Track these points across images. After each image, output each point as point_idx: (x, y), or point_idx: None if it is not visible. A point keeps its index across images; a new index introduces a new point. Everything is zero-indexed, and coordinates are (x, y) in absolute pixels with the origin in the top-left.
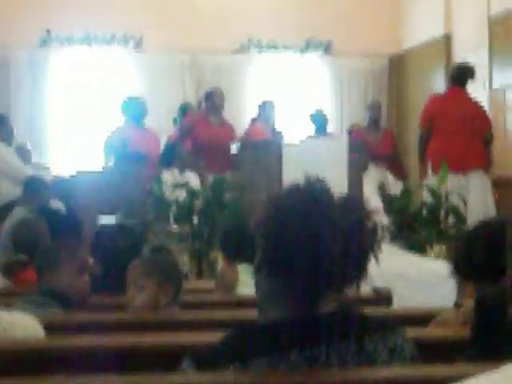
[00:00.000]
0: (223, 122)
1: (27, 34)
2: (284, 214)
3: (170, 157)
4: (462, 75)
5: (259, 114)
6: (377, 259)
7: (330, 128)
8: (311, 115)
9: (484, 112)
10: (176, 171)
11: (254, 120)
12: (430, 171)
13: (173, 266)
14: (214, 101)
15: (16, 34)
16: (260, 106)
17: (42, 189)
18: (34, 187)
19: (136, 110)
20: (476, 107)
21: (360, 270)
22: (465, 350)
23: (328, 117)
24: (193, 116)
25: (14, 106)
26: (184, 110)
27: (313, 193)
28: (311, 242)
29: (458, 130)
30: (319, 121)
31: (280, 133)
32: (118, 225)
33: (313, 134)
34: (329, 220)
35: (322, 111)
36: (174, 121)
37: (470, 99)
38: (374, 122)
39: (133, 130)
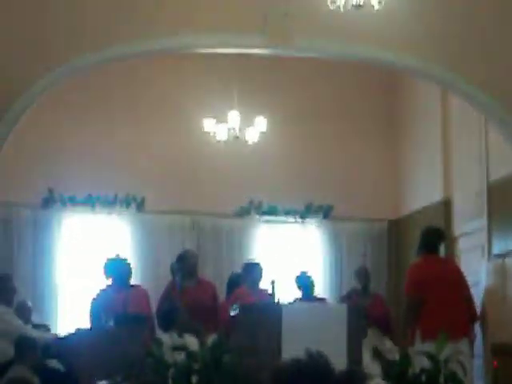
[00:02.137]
0: (199, 283)
1: (30, 192)
2: None
3: (170, 319)
4: (433, 240)
5: (246, 276)
6: None
7: (326, 291)
8: (296, 278)
9: (462, 275)
10: (175, 334)
11: (233, 282)
12: (418, 338)
13: None
14: (187, 263)
15: (19, 192)
16: (245, 267)
17: (32, 346)
18: (23, 345)
19: (121, 271)
20: (454, 272)
21: None
22: None
23: (312, 279)
24: (170, 283)
25: (17, 264)
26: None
27: (315, 369)
28: None
29: (444, 297)
30: (305, 283)
31: (274, 294)
32: None
33: (299, 298)
34: None
35: (306, 273)
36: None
37: (446, 264)
38: (363, 288)
39: (120, 291)
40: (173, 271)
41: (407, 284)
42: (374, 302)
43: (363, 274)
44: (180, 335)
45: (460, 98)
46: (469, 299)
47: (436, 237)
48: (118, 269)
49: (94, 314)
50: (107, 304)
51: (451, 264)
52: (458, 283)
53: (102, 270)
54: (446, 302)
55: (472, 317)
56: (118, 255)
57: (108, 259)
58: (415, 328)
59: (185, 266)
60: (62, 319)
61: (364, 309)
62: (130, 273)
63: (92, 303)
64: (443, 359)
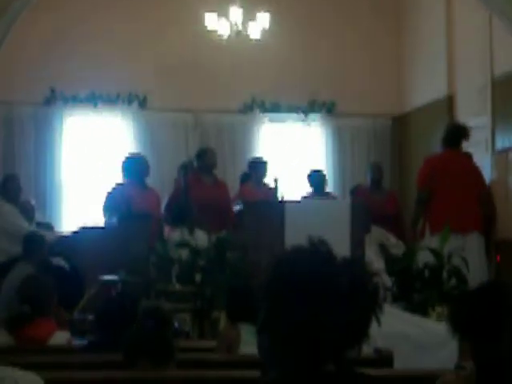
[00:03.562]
0: (216, 181)
1: (32, 92)
2: (287, 276)
3: (181, 215)
4: (455, 136)
5: (250, 173)
6: (379, 321)
7: (330, 188)
8: (308, 175)
9: (479, 173)
10: (185, 230)
11: (243, 179)
12: (427, 232)
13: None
14: (205, 160)
15: (21, 92)
16: (250, 164)
17: (41, 244)
18: (32, 243)
19: (138, 169)
20: (471, 168)
21: (362, 333)
22: None
23: (326, 177)
24: (187, 176)
25: (19, 164)
26: (185, 168)
27: (316, 254)
28: (313, 304)
29: (456, 191)
30: (317, 180)
31: (278, 191)
32: (119, 297)
33: (310, 194)
34: (331, 282)
35: (319, 171)
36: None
37: (465, 160)
38: (377, 183)
39: (134, 189)
40: (185, 167)
41: (419, 176)
42: (387, 198)
43: (378, 169)
44: (191, 232)
45: None
46: (486, 197)
47: (459, 132)
48: (136, 166)
49: (108, 207)
50: (121, 199)
51: (470, 161)
52: (473, 180)
53: (119, 166)
54: (457, 196)
55: (489, 214)
56: (138, 153)
57: (128, 156)
58: (425, 221)
59: (204, 162)
60: (65, 217)
61: (370, 204)
62: (147, 172)
63: (107, 197)
64: (447, 254)
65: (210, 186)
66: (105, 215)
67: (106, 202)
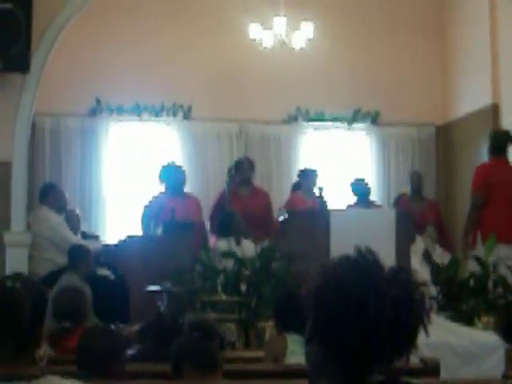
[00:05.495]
0: (254, 191)
1: (78, 103)
2: (334, 285)
3: (228, 226)
4: (500, 143)
5: (300, 182)
6: (426, 331)
7: (374, 197)
8: (351, 184)
9: None
10: (232, 240)
11: (295, 188)
12: (479, 241)
13: None
14: (240, 172)
15: (66, 103)
16: (300, 174)
17: (85, 255)
18: (77, 254)
19: (172, 178)
20: None
21: (409, 342)
22: None
23: (369, 186)
24: (224, 189)
25: (65, 174)
26: (231, 176)
27: (364, 264)
28: (361, 314)
29: (507, 201)
30: (360, 190)
31: (324, 200)
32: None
33: (354, 203)
34: (379, 292)
35: (363, 180)
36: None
37: None
38: (417, 192)
39: (172, 198)
40: (231, 176)
41: (474, 182)
42: (428, 207)
43: (417, 178)
44: (238, 241)
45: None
46: None
47: (503, 139)
48: (172, 176)
49: (146, 220)
50: (159, 210)
51: None
52: None
53: (156, 177)
54: (509, 205)
55: None
56: (173, 162)
57: (163, 166)
58: (476, 230)
59: (239, 174)
60: (109, 228)
61: (413, 214)
62: (184, 180)
63: (144, 209)
64: (493, 263)
65: (246, 197)
66: (142, 227)
67: (143, 215)
